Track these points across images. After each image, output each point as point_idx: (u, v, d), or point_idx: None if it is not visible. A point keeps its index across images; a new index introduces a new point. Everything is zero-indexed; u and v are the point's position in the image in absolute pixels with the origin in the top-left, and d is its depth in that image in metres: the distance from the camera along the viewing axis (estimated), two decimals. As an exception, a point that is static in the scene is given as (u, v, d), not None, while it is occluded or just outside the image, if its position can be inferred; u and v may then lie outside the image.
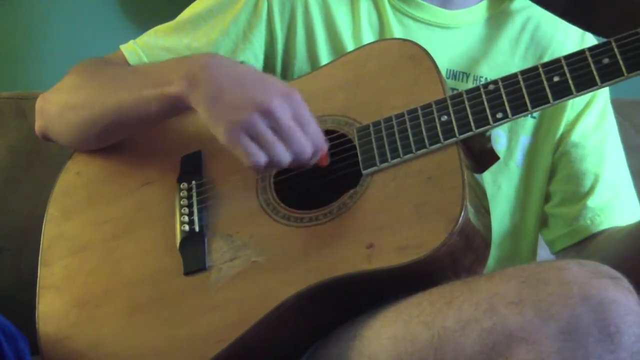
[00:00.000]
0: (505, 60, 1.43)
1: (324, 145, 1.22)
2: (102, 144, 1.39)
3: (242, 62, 1.40)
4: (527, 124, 1.43)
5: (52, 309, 1.32)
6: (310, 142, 1.20)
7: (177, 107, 1.25)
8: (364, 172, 1.23)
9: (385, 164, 1.23)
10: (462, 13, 1.43)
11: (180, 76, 1.23)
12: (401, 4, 1.42)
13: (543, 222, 1.49)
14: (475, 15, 1.44)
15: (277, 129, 1.17)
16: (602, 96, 1.48)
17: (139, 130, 1.37)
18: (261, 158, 1.17)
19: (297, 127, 1.19)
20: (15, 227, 1.74)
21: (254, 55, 1.41)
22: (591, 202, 1.43)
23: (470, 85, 1.39)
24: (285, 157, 1.18)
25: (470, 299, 1.05)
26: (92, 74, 1.38)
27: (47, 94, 1.42)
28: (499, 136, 1.42)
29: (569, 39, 1.44)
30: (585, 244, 1.44)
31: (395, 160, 1.22)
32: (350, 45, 1.40)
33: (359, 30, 1.41)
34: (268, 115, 1.17)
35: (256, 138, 1.17)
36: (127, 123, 1.33)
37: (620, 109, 1.57)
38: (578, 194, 1.44)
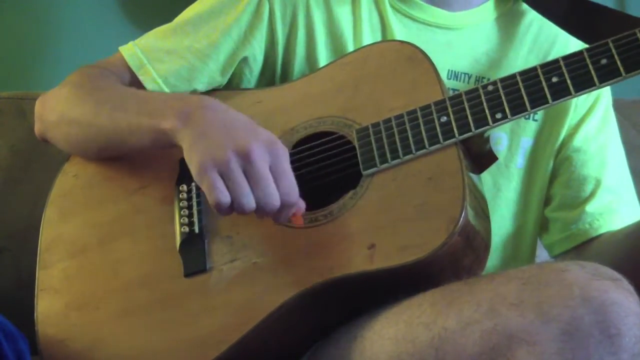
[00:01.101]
0: (508, 62, 1.43)
1: (296, 203, 1.19)
2: (100, 157, 1.39)
3: (243, 59, 1.41)
4: (528, 126, 1.43)
5: (51, 312, 1.32)
6: (279, 196, 1.17)
7: (165, 141, 1.25)
8: (364, 173, 1.24)
9: (385, 165, 1.23)
10: (464, 15, 1.43)
11: (175, 113, 1.23)
12: (402, 6, 1.42)
13: (542, 226, 1.49)
14: (478, 17, 1.44)
15: (249, 174, 1.16)
16: (604, 100, 1.48)
17: (133, 152, 1.36)
18: (225, 197, 1.15)
19: (271, 177, 1.17)
20: (15, 227, 1.74)
21: (253, 56, 1.41)
22: (590, 206, 1.43)
23: (472, 86, 1.39)
24: (249, 202, 1.16)
25: (471, 300, 1.05)
26: (89, 89, 1.37)
27: (45, 98, 1.41)
28: (501, 138, 1.42)
29: (572, 40, 1.44)
30: (584, 248, 1.44)
31: (395, 161, 1.22)
32: (351, 47, 1.40)
33: (360, 32, 1.40)
34: (244, 157, 1.15)
35: (226, 177, 1.16)
36: (121, 147, 1.34)
37: (621, 109, 1.57)
38: (578, 199, 1.44)
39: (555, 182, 1.46)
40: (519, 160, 1.44)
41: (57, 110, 1.38)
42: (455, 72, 1.41)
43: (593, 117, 1.46)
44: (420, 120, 1.24)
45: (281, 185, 1.17)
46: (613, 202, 1.44)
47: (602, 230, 1.42)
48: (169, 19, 1.46)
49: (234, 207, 1.17)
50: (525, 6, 1.46)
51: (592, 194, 1.43)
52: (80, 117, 1.35)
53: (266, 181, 1.16)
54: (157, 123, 1.24)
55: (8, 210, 1.76)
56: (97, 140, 1.34)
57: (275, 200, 1.17)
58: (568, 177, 1.45)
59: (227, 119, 1.21)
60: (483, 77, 1.42)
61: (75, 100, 1.37)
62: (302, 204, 1.21)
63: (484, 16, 1.45)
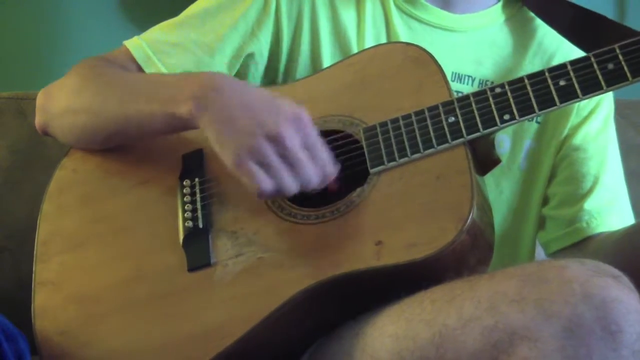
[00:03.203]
0: (512, 66, 1.44)
1: (333, 172, 1.22)
2: (105, 146, 1.38)
3: (249, 55, 1.41)
4: (531, 128, 1.44)
5: (48, 305, 1.31)
6: (318, 171, 1.19)
7: (183, 126, 1.25)
8: (372, 170, 1.24)
9: (393, 163, 1.23)
10: (469, 18, 1.44)
11: (189, 97, 1.22)
12: (407, 6, 1.43)
13: (540, 224, 1.49)
14: (483, 21, 1.45)
15: (286, 156, 1.17)
16: (606, 104, 1.49)
17: (144, 140, 1.36)
18: (268, 185, 1.16)
19: (307, 155, 1.18)
20: (15, 227, 1.74)
21: (259, 51, 1.41)
22: (589, 204, 1.44)
23: (476, 89, 1.39)
24: (292, 185, 1.17)
25: (472, 297, 1.06)
26: (96, 77, 1.37)
27: (48, 90, 1.40)
28: (503, 140, 1.43)
29: (576, 48, 1.44)
30: (580, 246, 1.44)
31: (403, 160, 1.23)
32: (355, 47, 1.41)
33: (363, 31, 1.41)
34: (276, 141, 1.16)
35: (264, 165, 1.16)
36: (131, 134, 1.33)
37: (620, 109, 1.58)
38: (577, 195, 1.45)
39: (555, 181, 1.47)
40: (521, 162, 1.44)
41: (63, 100, 1.38)
42: (459, 74, 1.42)
43: (594, 119, 1.47)
44: (428, 120, 1.24)
45: (317, 159, 1.19)
46: (611, 202, 1.45)
47: (599, 230, 1.43)
48: (169, 18, 1.46)
49: (277, 192, 1.18)
50: (530, 13, 1.47)
51: (591, 191, 1.44)
52: (88, 105, 1.34)
53: (304, 162, 1.18)
54: (171, 109, 1.24)
55: (8, 210, 1.76)
56: (107, 129, 1.33)
57: (315, 177, 1.19)
58: (567, 174, 1.45)
59: (245, 97, 1.21)
60: (487, 81, 1.43)
61: (81, 89, 1.36)
62: (336, 170, 1.22)
63: (489, 20, 1.46)
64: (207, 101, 1.20)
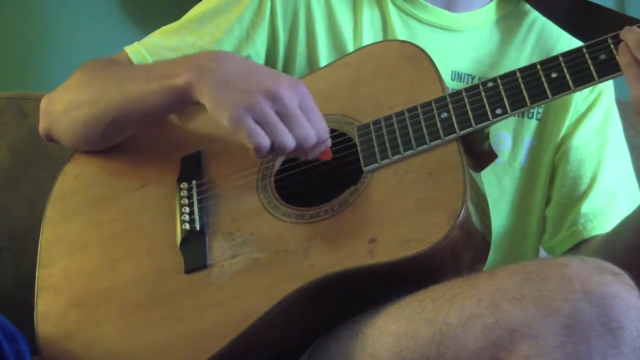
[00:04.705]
0: (511, 63, 1.43)
1: (327, 139, 1.23)
2: (106, 143, 1.39)
3: (246, 57, 1.41)
4: (531, 125, 1.44)
5: (51, 309, 1.32)
6: (315, 131, 1.20)
7: (182, 99, 1.25)
8: (365, 169, 1.24)
9: (386, 161, 1.23)
10: (467, 16, 1.44)
11: (188, 68, 1.23)
12: (406, 5, 1.42)
13: (543, 227, 1.48)
14: (481, 19, 1.45)
15: (283, 114, 1.18)
16: (605, 100, 1.48)
17: (143, 125, 1.36)
18: (265, 140, 1.17)
19: (303, 114, 1.19)
20: (15, 227, 1.74)
21: (256, 54, 1.42)
22: (585, 207, 1.43)
23: None
24: (289, 141, 1.18)
25: (473, 295, 1.05)
26: (97, 71, 1.38)
27: (52, 94, 1.41)
28: (504, 137, 1.42)
29: (574, 41, 1.44)
30: (579, 249, 1.43)
31: (395, 157, 1.23)
32: (351, 46, 1.41)
33: (360, 31, 1.41)
34: (275, 99, 1.18)
35: (261, 121, 1.18)
36: (131, 117, 1.33)
37: (620, 109, 1.57)
38: (573, 198, 1.44)
39: (555, 181, 1.46)
40: (523, 160, 1.44)
41: (65, 99, 1.39)
42: (458, 73, 1.42)
43: (592, 117, 1.46)
44: (421, 117, 1.24)
45: (313, 122, 1.20)
46: (609, 203, 1.44)
47: (596, 232, 1.42)
48: (169, 18, 1.47)
49: (274, 148, 1.19)
50: (528, 6, 1.46)
51: (586, 193, 1.43)
52: (89, 95, 1.35)
53: (301, 119, 1.19)
54: (170, 82, 1.25)
55: (8, 210, 1.76)
56: (107, 116, 1.33)
57: (312, 135, 1.20)
58: (564, 175, 1.45)
59: (244, 65, 1.23)
60: (486, 79, 1.42)
61: (82, 83, 1.38)
62: (329, 140, 1.23)
63: (487, 17, 1.45)
64: (206, 68, 1.22)
